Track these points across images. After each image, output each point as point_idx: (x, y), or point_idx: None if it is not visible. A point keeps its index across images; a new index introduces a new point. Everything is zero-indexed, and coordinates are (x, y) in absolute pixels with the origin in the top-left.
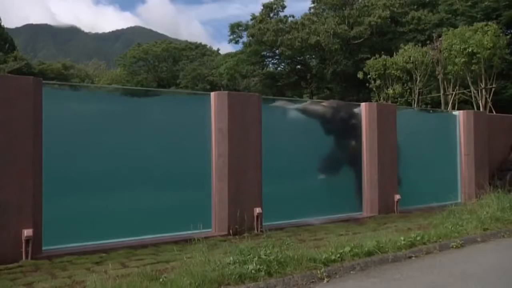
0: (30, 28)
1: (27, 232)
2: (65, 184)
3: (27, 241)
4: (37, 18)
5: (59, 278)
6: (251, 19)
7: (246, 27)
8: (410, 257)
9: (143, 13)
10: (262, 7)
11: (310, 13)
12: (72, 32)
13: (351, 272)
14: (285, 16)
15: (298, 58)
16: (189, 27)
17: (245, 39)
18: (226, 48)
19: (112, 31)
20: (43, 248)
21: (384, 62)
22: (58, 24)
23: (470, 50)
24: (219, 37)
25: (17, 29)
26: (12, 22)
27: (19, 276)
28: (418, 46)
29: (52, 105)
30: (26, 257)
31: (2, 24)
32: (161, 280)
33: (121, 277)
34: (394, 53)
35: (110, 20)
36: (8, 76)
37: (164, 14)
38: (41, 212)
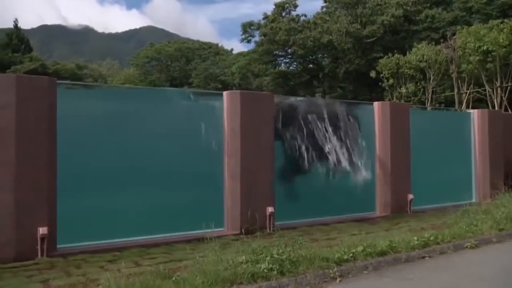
0: (45, 29)
1: (42, 230)
2: (78, 183)
3: (42, 239)
4: (46, 18)
5: (73, 276)
6: (263, 19)
7: (258, 26)
8: (423, 257)
9: (151, 12)
10: (274, 7)
11: (322, 12)
12: (85, 33)
13: (364, 271)
14: (297, 15)
15: (311, 57)
16: (199, 26)
17: (257, 38)
18: (237, 47)
19: (125, 31)
20: (58, 246)
21: (397, 61)
22: (72, 24)
23: (485, 48)
24: (231, 36)
25: (32, 30)
26: (27, 23)
27: (35, 273)
28: (432, 44)
29: (66, 104)
30: (42, 255)
31: (18, 25)
32: (173, 278)
33: (134, 275)
34: (407, 52)
35: (116, 19)
36: (24, 76)
37: (171, 13)
38: (56, 211)
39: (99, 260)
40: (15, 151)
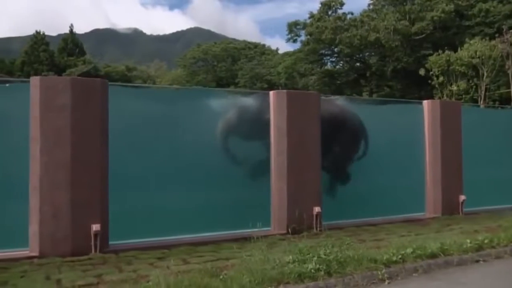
0: (97, 33)
1: (95, 227)
2: (128, 182)
3: (95, 235)
4: (97, 23)
5: (125, 272)
6: (309, 18)
7: (304, 25)
8: (477, 261)
9: (192, 12)
10: (320, 5)
11: (369, 9)
12: (134, 35)
13: (414, 274)
14: (343, 13)
15: (357, 56)
16: (241, 25)
17: (303, 37)
18: (281, 45)
19: (172, 33)
20: (110, 242)
21: (448, 58)
22: (121, 28)
23: None
24: (273, 33)
25: (85, 34)
26: (80, 28)
27: (89, 268)
28: (486, 40)
29: (116, 104)
30: (95, 251)
31: (74, 30)
32: (221, 277)
33: (183, 273)
34: (459, 48)
35: (161, 21)
36: (78, 79)
37: (212, 12)
38: (107, 209)
39: (148, 257)
40: (71, 151)
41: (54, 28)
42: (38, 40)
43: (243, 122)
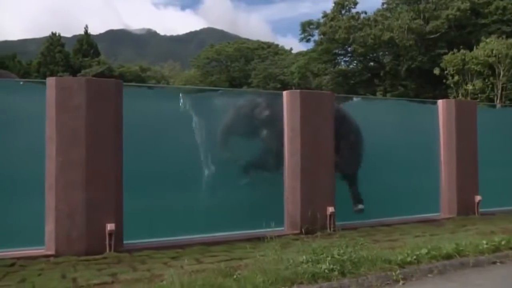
0: (111, 34)
1: (110, 226)
2: (143, 181)
3: (110, 234)
4: (111, 24)
5: (139, 271)
6: (322, 17)
7: (317, 25)
8: (494, 263)
9: (203, 12)
10: (333, 5)
11: (383, 8)
12: (148, 36)
13: (429, 275)
14: (357, 12)
15: (371, 55)
16: (252, 24)
17: (316, 37)
18: (293, 44)
19: (186, 33)
20: (124, 242)
21: (463, 57)
22: (135, 29)
23: None
24: (285, 32)
25: (100, 35)
26: (95, 29)
27: (104, 267)
28: (502, 38)
29: (130, 104)
30: (110, 250)
31: (88, 31)
32: (234, 277)
33: (196, 272)
34: (474, 47)
35: (174, 22)
36: (93, 79)
37: (227, 13)
38: (122, 208)
39: (162, 257)
40: (85, 151)
41: (69, 29)
42: (54, 41)
43: (250, 121)
